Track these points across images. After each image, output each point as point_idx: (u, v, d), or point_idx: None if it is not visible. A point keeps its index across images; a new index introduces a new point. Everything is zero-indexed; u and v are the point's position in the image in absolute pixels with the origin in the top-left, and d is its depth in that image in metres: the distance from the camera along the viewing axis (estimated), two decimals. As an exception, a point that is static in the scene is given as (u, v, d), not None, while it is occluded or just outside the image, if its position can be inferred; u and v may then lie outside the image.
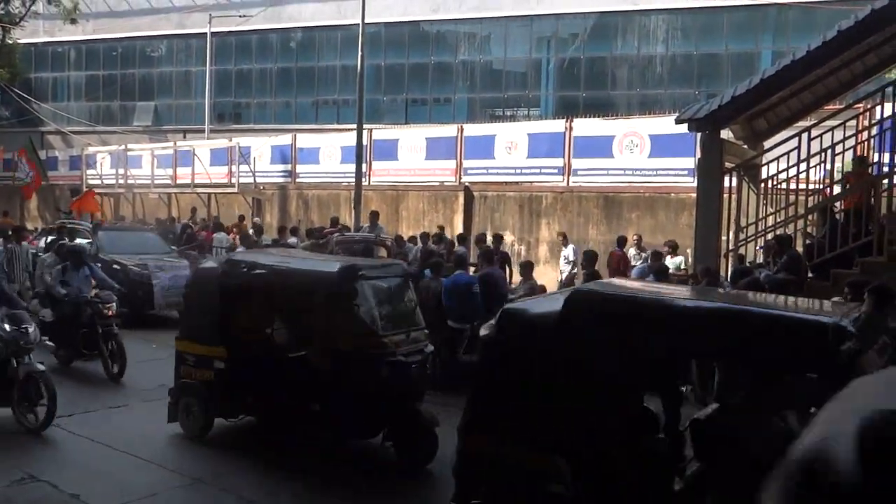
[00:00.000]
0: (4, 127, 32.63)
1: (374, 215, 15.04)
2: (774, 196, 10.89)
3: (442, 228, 15.26)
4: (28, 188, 24.06)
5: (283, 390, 6.53)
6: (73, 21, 29.63)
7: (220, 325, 6.85)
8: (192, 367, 6.92)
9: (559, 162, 16.90)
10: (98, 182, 24.76)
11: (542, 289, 11.41)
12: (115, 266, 12.45)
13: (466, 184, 18.00)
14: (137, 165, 24.45)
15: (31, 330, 7.20)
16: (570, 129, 16.81)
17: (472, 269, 10.88)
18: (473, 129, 19.09)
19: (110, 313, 9.42)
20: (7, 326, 7.08)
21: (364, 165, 18.12)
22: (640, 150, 15.85)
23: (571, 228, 16.10)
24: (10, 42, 30.69)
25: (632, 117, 17.93)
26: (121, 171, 24.44)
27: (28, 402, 6.99)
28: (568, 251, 13.86)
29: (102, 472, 6.14)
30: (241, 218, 18.78)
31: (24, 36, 31.49)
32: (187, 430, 6.91)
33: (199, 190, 22.12)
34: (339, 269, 6.50)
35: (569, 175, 16.76)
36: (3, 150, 26.18)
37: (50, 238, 13.77)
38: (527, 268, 10.67)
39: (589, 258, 10.09)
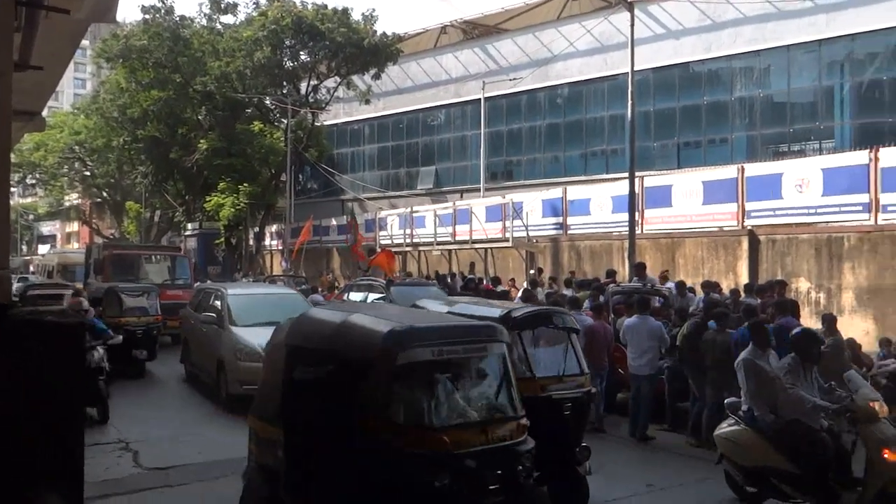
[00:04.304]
0: (313, 198, 37.70)
1: (640, 267, 14.50)
2: None
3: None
4: (357, 250, 25.44)
5: None
6: (367, 101, 33.64)
7: None
8: None
9: (863, 198, 14.88)
10: (388, 242, 27.35)
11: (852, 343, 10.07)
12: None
13: (750, 227, 16.66)
14: (421, 225, 26.57)
15: None
16: (876, 159, 14.78)
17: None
18: (756, 169, 17.68)
19: None
20: None
21: (636, 214, 17.68)
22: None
23: (882, 273, 14.03)
24: (317, 124, 35.68)
25: (958, 141, 15.30)
26: (407, 231, 26.74)
27: None
28: None
29: None
30: (540, 271, 19.26)
31: (328, 118, 36.49)
32: None
33: (477, 245, 23.29)
34: None
35: (877, 212, 14.67)
36: (311, 217, 30.01)
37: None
38: (830, 321, 9.66)
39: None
